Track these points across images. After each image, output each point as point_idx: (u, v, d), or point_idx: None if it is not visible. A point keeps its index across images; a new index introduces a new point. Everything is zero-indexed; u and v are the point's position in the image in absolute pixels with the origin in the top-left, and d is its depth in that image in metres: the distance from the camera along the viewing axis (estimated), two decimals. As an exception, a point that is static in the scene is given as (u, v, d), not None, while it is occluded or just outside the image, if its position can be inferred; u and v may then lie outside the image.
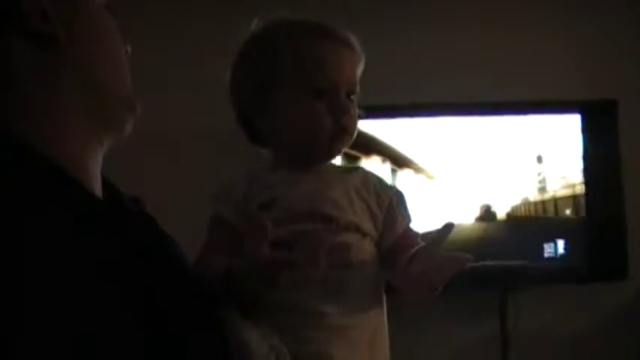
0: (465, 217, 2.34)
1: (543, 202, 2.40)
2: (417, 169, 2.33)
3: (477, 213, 2.35)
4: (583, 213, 2.35)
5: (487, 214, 2.35)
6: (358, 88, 1.07)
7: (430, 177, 2.35)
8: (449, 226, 0.94)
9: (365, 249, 1.01)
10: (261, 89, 1.05)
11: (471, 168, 2.35)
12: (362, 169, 1.11)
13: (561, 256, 2.36)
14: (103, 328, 0.64)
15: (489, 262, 2.30)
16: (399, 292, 1.02)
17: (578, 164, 2.36)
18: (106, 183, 0.83)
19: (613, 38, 2.46)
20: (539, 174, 2.39)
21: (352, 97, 1.05)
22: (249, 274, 0.89)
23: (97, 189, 0.80)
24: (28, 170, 0.69)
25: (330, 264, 0.94)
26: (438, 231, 0.94)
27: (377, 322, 1.02)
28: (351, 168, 1.11)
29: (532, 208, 2.39)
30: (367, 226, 1.02)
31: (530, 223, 2.38)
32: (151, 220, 0.88)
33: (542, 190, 2.39)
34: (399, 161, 2.32)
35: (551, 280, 2.37)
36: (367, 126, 2.19)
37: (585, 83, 2.43)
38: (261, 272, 0.88)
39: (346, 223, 0.99)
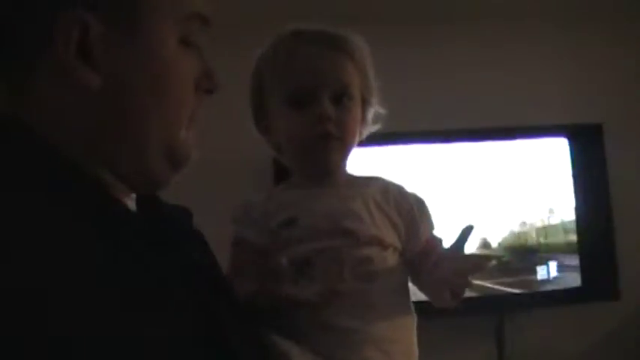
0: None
1: (535, 228, 2.43)
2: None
3: (475, 244, 2.36)
4: (574, 236, 2.39)
5: (484, 245, 2.37)
6: (358, 88, 1.04)
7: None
8: (469, 229, 0.95)
9: (387, 261, 1.00)
10: (259, 106, 1.06)
11: (462, 196, 2.38)
12: (381, 179, 1.09)
13: (554, 279, 2.39)
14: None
15: (487, 287, 2.33)
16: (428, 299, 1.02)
17: (568, 188, 2.41)
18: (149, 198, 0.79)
19: (598, 64, 2.52)
20: (529, 200, 2.42)
21: (344, 100, 1.02)
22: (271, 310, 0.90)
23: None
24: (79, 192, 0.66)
25: (354, 279, 0.96)
26: (459, 235, 0.95)
27: (409, 332, 1.02)
28: (370, 179, 1.08)
29: (524, 235, 2.42)
30: (389, 237, 1.01)
31: (523, 249, 2.41)
32: (195, 234, 0.87)
33: (533, 216, 2.42)
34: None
35: (546, 304, 2.40)
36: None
37: (571, 108, 2.48)
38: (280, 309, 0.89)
39: (368, 236, 0.99)
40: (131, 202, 0.76)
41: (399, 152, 2.37)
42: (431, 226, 1.06)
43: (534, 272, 2.39)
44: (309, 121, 1.00)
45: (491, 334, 2.40)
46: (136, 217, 0.75)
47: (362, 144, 1.05)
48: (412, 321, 1.03)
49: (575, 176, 2.41)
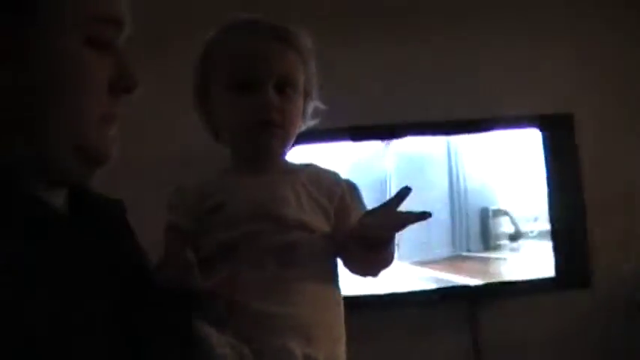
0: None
1: (509, 217, 2.45)
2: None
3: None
4: (547, 225, 2.41)
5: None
6: (301, 80, 1.08)
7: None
8: (406, 190, 0.97)
9: (313, 246, 1.03)
10: (201, 92, 1.10)
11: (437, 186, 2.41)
12: (313, 165, 1.12)
13: (527, 268, 2.41)
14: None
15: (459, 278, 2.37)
16: (348, 254, 1.04)
17: (541, 178, 2.43)
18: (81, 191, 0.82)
19: (569, 53, 2.54)
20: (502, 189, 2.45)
21: (288, 90, 1.06)
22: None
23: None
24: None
25: (276, 264, 0.99)
26: (394, 195, 0.97)
27: (334, 317, 1.04)
28: (304, 166, 1.13)
29: (496, 222, 2.45)
30: (316, 222, 1.05)
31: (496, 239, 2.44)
32: (122, 226, 0.89)
33: (507, 203, 2.45)
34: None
35: (520, 292, 2.42)
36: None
37: (543, 99, 2.50)
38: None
39: (293, 220, 1.02)
40: (57, 198, 0.79)
41: (370, 147, 2.40)
42: (363, 210, 1.09)
43: (506, 261, 2.42)
44: (252, 108, 1.04)
45: (465, 323, 2.42)
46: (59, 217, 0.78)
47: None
48: (338, 305, 1.06)
49: (547, 166, 2.43)
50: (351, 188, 1.11)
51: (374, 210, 1.01)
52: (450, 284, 2.40)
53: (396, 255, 1.03)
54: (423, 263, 2.37)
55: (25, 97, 0.72)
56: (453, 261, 2.40)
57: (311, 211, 1.05)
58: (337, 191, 1.08)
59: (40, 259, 0.68)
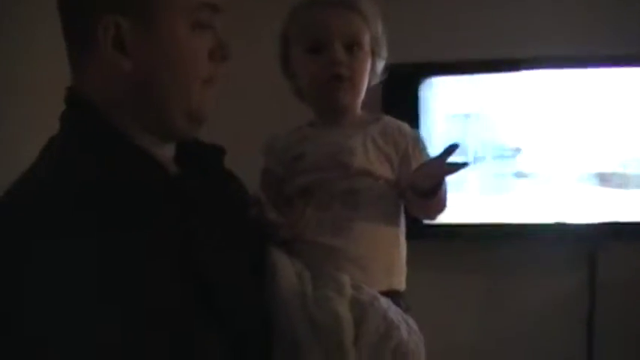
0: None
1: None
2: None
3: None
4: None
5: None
6: (367, 39, 1.20)
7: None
8: (454, 146, 1.08)
9: (377, 190, 1.17)
10: (284, 54, 1.26)
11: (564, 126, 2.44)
12: (383, 119, 1.25)
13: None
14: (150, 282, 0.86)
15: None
16: (406, 199, 1.18)
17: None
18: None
19: None
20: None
21: (355, 49, 1.19)
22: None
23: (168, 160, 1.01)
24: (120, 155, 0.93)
25: (341, 206, 1.15)
26: (443, 149, 1.09)
27: (391, 251, 1.18)
28: (375, 118, 1.24)
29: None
30: (381, 170, 1.18)
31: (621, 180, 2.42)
32: (222, 169, 1.12)
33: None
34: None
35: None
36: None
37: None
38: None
39: (358, 169, 1.16)
40: (169, 151, 1.02)
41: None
42: (425, 159, 1.20)
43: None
44: (324, 65, 1.19)
45: (583, 262, 2.46)
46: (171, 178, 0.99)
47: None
48: (397, 244, 1.19)
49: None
50: (416, 140, 1.22)
51: (426, 162, 1.15)
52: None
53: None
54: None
55: (146, 76, 0.92)
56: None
57: (376, 160, 1.18)
58: (402, 142, 1.20)
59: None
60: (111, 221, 0.86)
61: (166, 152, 1.02)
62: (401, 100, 2.35)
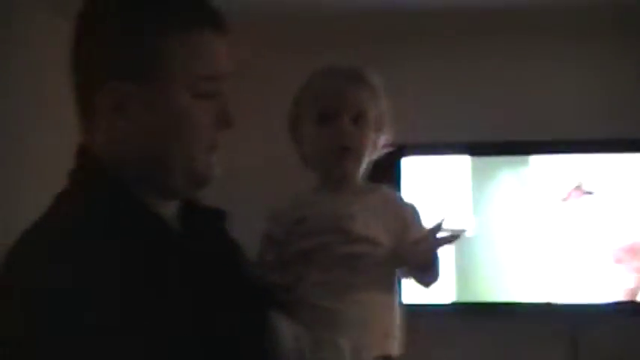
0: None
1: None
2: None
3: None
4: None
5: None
6: (373, 114, 1.28)
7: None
8: (441, 222, 1.19)
9: (376, 257, 1.23)
10: (294, 126, 1.33)
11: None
12: (382, 188, 1.32)
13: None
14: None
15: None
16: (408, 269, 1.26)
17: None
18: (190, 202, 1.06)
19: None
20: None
21: (360, 122, 1.26)
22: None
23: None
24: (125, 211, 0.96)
25: (341, 270, 1.20)
26: (434, 224, 1.20)
27: (388, 317, 1.23)
28: (376, 188, 1.32)
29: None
30: (380, 237, 1.24)
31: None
32: (223, 232, 1.14)
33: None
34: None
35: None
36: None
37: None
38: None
39: (359, 235, 1.22)
40: (172, 208, 1.05)
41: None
42: (421, 230, 1.28)
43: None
44: (331, 135, 1.26)
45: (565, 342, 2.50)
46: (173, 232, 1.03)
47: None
48: (392, 305, 1.25)
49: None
50: (414, 211, 1.30)
51: (420, 238, 1.23)
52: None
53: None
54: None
55: (148, 140, 0.97)
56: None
57: (375, 227, 1.24)
58: (401, 212, 1.28)
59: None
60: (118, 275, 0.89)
61: (170, 209, 1.05)
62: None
